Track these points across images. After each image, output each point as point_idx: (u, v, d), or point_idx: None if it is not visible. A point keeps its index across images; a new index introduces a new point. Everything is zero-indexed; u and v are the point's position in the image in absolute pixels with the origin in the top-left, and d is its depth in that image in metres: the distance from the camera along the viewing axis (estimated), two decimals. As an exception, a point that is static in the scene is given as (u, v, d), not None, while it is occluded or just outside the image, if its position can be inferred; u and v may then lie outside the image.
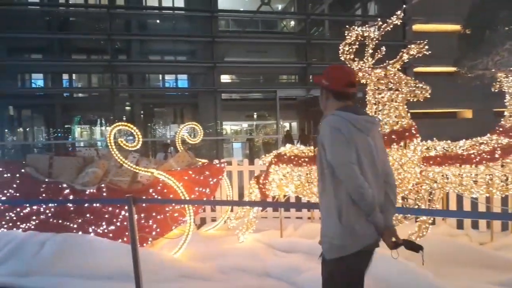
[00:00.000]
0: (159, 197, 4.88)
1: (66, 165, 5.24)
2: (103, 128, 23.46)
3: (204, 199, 5.24)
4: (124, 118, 16.96)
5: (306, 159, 4.50)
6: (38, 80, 21.13)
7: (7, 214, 5.12)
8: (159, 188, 4.89)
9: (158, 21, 19.55)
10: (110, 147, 4.70)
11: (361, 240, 2.17)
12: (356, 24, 16.89)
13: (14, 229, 5.10)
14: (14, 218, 5.11)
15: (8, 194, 5.10)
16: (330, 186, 2.18)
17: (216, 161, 5.55)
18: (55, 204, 4.91)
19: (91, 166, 5.23)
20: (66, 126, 20.20)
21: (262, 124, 26.26)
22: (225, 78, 19.89)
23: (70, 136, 20.88)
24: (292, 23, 22.30)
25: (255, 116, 25.02)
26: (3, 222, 5.14)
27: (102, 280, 4.22)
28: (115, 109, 14.59)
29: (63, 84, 19.60)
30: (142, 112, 20.91)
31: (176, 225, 5.25)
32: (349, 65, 4.38)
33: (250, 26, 19.35)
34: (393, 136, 4.19)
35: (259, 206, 5.05)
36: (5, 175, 5.09)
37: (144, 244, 4.93)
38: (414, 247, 2.23)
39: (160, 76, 23.40)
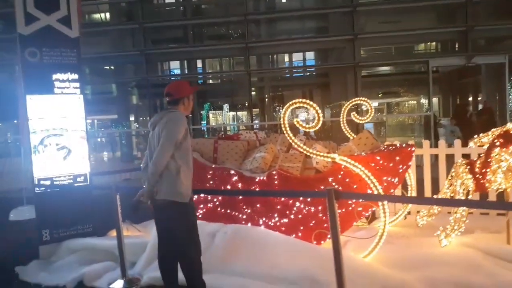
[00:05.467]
0: (339, 187, 4.06)
1: (231, 149, 4.76)
2: (231, 112, 24.11)
3: (392, 191, 4.28)
4: (246, 104, 16.74)
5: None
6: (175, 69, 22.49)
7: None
8: (339, 176, 4.07)
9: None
10: (283, 128, 4.02)
11: None
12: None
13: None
14: (182, 205, 4.84)
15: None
16: None
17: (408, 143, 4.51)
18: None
19: (258, 150, 4.66)
20: (201, 112, 21.15)
21: (395, 101, 23.98)
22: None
23: (203, 122, 21.82)
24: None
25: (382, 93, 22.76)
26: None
27: (285, 285, 3.59)
28: (246, 93, 14.41)
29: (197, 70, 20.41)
30: (267, 95, 20.68)
31: (358, 220, 4.42)
32: None
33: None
34: None
35: (484, 207, 3.73)
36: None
37: (322, 242, 4.20)
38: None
39: (287, 57, 22.88)
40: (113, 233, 4.54)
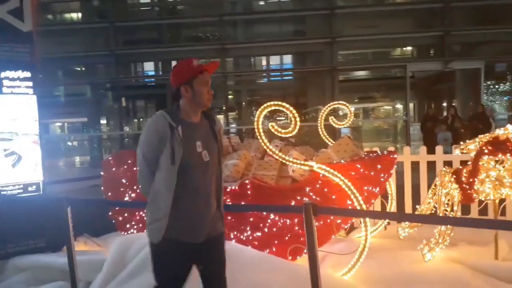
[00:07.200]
0: (316, 197, 3.74)
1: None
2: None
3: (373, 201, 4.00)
4: (223, 108, 16.39)
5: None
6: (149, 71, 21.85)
7: (137, 212, 4.44)
8: (317, 186, 3.74)
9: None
10: (257, 134, 3.67)
11: None
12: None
13: (145, 231, 4.40)
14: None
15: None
16: None
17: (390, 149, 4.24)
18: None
19: (230, 157, 4.29)
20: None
21: (372, 106, 24.02)
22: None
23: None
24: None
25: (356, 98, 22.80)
26: (133, 223, 4.48)
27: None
28: (223, 96, 14.04)
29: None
30: (244, 99, 20.32)
31: (337, 233, 4.10)
32: None
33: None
34: None
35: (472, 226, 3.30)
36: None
37: (298, 257, 3.86)
38: None
39: (265, 61, 22.61)
40: (68, 248, 4.07)
